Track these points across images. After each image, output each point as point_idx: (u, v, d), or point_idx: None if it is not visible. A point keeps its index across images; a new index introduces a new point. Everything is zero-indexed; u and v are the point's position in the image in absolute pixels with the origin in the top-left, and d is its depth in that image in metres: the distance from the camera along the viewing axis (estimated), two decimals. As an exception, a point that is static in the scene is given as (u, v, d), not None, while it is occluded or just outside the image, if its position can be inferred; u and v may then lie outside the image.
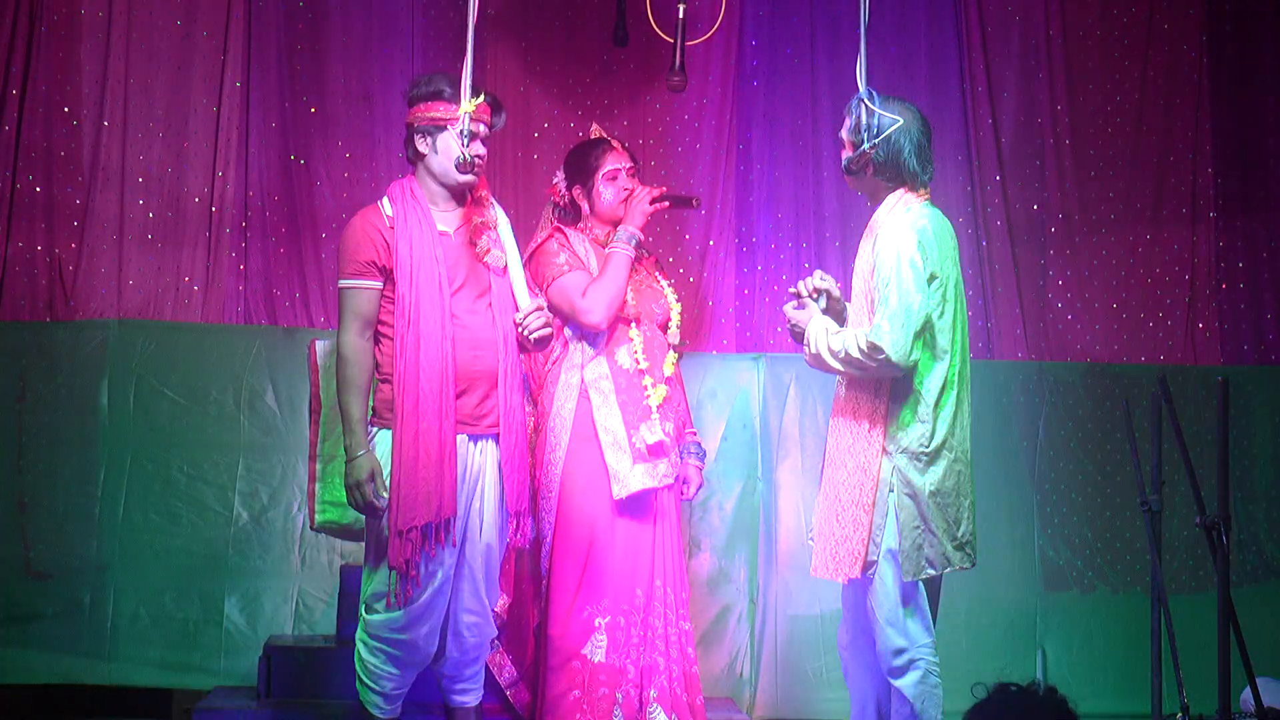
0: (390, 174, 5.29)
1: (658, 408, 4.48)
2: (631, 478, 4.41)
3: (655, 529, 4.49)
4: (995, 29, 5.76)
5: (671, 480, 4.52)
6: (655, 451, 4.44)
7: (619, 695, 4.39)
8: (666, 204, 4.59)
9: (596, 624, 4.41)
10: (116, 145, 5.38)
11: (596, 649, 4.40)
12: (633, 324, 4.52)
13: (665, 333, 4.62)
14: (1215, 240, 5.84)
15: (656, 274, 4.71)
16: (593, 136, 4.73)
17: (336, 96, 5.52)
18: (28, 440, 5.24)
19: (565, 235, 4.57)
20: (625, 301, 4.49)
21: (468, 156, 4.01)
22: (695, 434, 4.72)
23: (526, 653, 4.57)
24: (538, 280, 4.47)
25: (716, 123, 5.65)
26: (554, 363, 4.53)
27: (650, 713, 4.40)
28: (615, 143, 4.65)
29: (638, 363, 4.50)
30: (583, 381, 4.47)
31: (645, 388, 4.48)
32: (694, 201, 4.74)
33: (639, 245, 4.54)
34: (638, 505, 4.45)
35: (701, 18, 5.21)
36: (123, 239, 5.37)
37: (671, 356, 4.61)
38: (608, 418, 4.43)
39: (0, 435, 5.22)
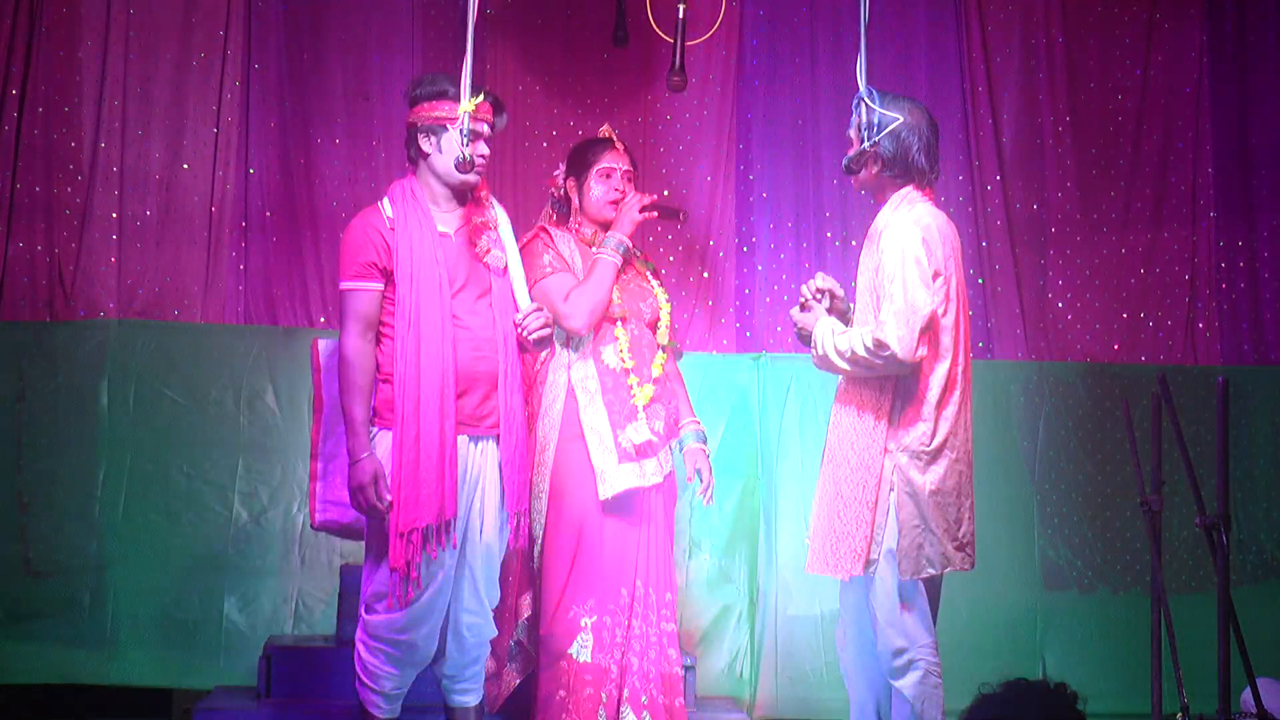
0: (390, 174, 5.29)
1: (644, 407, 4.46)
2: (617, 477, 4.39)
3: (643, 529, 4.47)
4: (995, 29, 5.75)
5: (660, 479, 4.48)
6: (642, 451, 4.44)
7: (604, 695, 4.37)
8: (655, 214, 4.57)
9: (583, 624, 4.39)
10: (116, 145, 5.39)
11: (583, 649, 4.38)
12: (618, 323, 4.50)
13: (655, 332, 4.61)
14: (1215, 240, 5.83)
15: (647, 274, 4.69)
16: (600, 134, 4.72)
17: (336, 96, 5.52)
18: (28, 440, 5.24)
19: (550, 236, 4.55)
20: (610, 303, 4.48)
21: (468, 155, 4.01)
22: (696, 421, 4.64)
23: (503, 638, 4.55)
24: None
25: (716, 123, 5.66)
26: (543, 363, 4.51)
27: (622, 713, 4.39)
28: (619, 143, 4.62)
29: (623, 361, 4.48)
30: (569, 381, 4.46)
31: (630, 387, 4.47)
32: (681, 215, 4.70)
33: (627, 252, 4.53)
34: (625, 505, 4.43)
35: (701, 18, 5.20)
36: (123, 239, 5.38)
37: (660, 356, 4.58)
38: (594, 417, 4.42)
39: (0, 435, 5.22)
